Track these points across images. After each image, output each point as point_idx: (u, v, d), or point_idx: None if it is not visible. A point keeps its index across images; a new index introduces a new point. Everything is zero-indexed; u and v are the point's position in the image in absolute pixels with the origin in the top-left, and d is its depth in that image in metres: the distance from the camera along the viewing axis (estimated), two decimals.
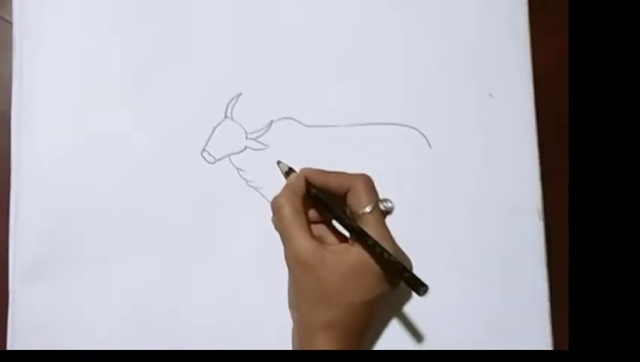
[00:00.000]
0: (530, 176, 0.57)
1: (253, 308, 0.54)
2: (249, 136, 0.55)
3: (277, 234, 0.54)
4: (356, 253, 0.44)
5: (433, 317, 0.54)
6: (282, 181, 0.54)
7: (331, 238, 0.49)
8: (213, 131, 0.54)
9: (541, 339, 0.55)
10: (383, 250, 0.44)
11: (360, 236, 0.45)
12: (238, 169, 0.55)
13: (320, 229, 0.49)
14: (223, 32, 0.56)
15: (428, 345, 0.54)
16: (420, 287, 0.42)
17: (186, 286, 0.53)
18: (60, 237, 0.53)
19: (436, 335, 0.54)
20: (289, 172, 0.50)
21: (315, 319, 0.45)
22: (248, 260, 0.54)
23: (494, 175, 0.57)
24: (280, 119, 0.55)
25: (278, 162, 0.51)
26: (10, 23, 0.54)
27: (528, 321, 0.56)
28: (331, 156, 0.55)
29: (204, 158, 0.54)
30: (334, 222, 0.49)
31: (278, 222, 0.46)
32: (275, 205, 0.46)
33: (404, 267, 0.43)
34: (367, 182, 0.47)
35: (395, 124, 0.57)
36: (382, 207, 0.46)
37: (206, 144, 0.54)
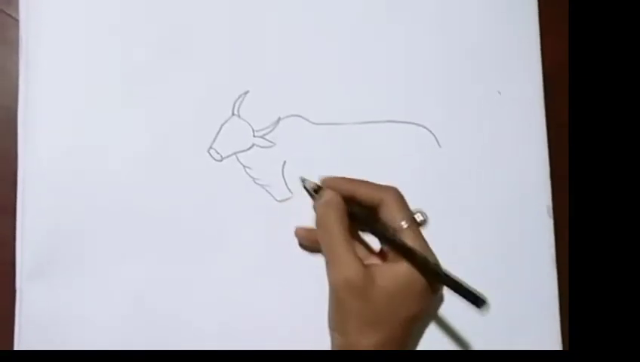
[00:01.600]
0: (539, 174, 0.57)
1: (257, 308, 0.54)
2: (256, 134, 0.55)
3: (283, 233, 0.54)
4: (403, 272, 0.44)
5: (442, 317, 0.54)
6: (290, 179, 0.54)
7: (369, 255, 0.48)
8: (220, 129, 0.54)
9: (551, 337, 0.55)
10: (432, 263, 0.43)
11: (407, 251, 0.44)
12: (245, 167, 0.54)
13: (355, 246, 0.48)
14: (229, 29, 0.56)
15: (436, 344, 0.54)
16: (479, 300, 0.42)
17: (191, 286, 0.53)
18: (67, 236, 0.53)
19: (445, 334, 0.54)
20: (317, 189, 0.48)
21: (365, 343, 0.44)
22: (254, 259, 0.54)
23: (503, 173, 0.57)
24: (287, 117, 0.55)
25: (303, 179, 0.49)
26: (17, 21, 0.54)
27: (538, 319, 0.55)
28: (339, 154, 0.55)
29: (211, 156, 0.54)
30: (361, 234, 0.48)
31: (324, 234, 0.45)
32: (324, 223, 0.45)
33: (462, 283, 0.43)
34: (399, 196, 0.46)
35: (404, 122, 0.56)
36: (418, 220, 0.46)
37: (213, 142, 0.54)
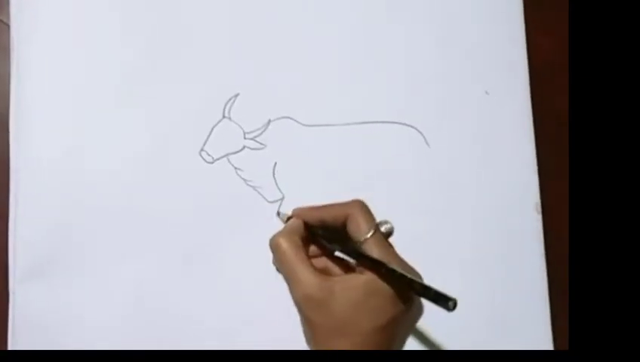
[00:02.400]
0: (528, 172, 0.58)
1: (253, 307, 0.54)
2: (247, 136, 0.55)
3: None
4: (365, 279, 0.43)
5: (431, 316, 0.54)
6: (281, 181, 0.55)
7: (336, 270, 0.48)
8: (211, 131, 0.55)
9: (541, 334, 0.56)
10: (397, 271, 0.43)
11: (370, 261, 0.44)
12: (236, 168, 0.55)
13: (323, 262, 0.47)
14: (220, 32, 0.56)
15: (426, 344, 0.54)
16: (449, 302, 0.41)
17: (184, 286, 0.53)
18: (59, 238, 0.53)
19: (434, 333, 0.54)
20: (289, 219, 0.49)
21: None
22: (247, 260, 0.54)
23: (492, 172, 0.57)
24: (278, 118, 0.55)
25: (278, 213, 0.50)
26: (8, 25, 0.54)
27: (528, 316, 0.56)
28: (329, 155, 0.56)
29: (203, 158, 0.54)
30: (338, 254, 0.48)
31: (279, 260, 0.45)
32: (274, 244, 0.45)
33: (426, 285, 0.42)
34: (363, 207, 0.46)
35: (393, 123, 0.57)
36: (382, 230, 0.45)
37: (204, 144, 0.54)
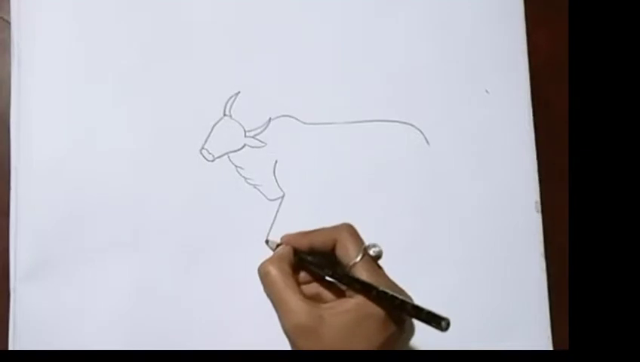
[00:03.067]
0: (527, 171, 0.58)
1: (253, 305, 0.54)
2: (247, 134, 0.55)
3: (275, 232, 0.54)
4: (354, 304, 0.43)
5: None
6: (281, 179, 0.55)
7: (327, 295, 0.47)
8: (211, 129, 0.55)
9: (540, 333, 0.56)
10: (389, 293, 0.42)
11: (360, 285, 0.43)
12: (236, 167, 0.55)
13: (314, 288, 0.47)
14: (221, 29, 0.56)
15: (424, 345, 0.54)
16: (442, 321, 0.41)
17: (185, 284, 0.53)
18: (60, 236, 0.53)
19: (433, 333, 0.54)
20: (278, 246, 0.49)
21: None
22: (247, 258, 0.54)
23: (492, 170, 0.57)
24: (278, 117, 0.55)
25: (267, 241, 0.50)
26: (8, 22, 0.54)
27: (527, 315, 0.56)
28: (329, 153, 0.56)
29: (203, 156, 0.54)
30: (329, 280, 0.48)
31: (268, 288, 0.44)
32: (263, 271, 0.44)
33: (418, 306, 0.42)
34: (351, 231, 0.45)
35: (393, 121, 0.57)
36: (371, 253, 0.45)
37: (205, 142, 0.54)
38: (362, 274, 0.44)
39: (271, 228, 0.54)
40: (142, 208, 0.54)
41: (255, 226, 0.54)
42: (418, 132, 0.57)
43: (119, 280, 0.53)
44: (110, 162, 0.54)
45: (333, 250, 0.45)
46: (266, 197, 0.55)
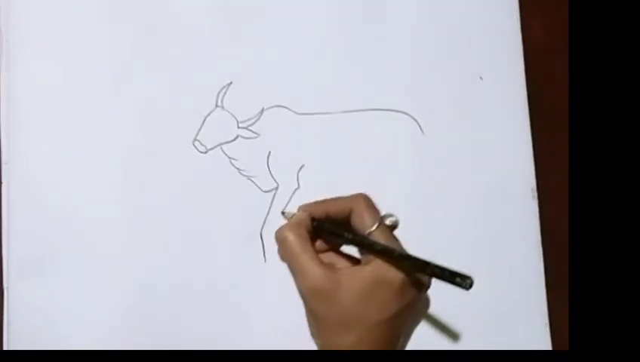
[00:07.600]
0: (523, 157, 0.57)
1: (249, 297, 0.54)
2: (240, 125, 0.55)
3: (269, 223, 0.54)
4: (371, 270, 0.43)
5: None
6: (275, 170, 0.54)
7: (342, 262, 0.48)
8: (204, 121, 0.54)
9: (537, 320, 0.56)
10: (411, 256, 0.43)
11: (381, 249, 0.44)
12: (230, 158, 0.54)
13: (329, 257, 0.46)
14: (212, 20, 0.56)
15: (423, 345, 0.54)
16: (466, 280, 0.41)
17: (180, 277, 0.53)
18: (53, 233, 0.53)
19: (431, 333, 0.54)
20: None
21: (339, 343, 0.44)
22: (242, 249, 0.54)
23: (487, 157, 0.57)
24: (271, 107, 0.55)
25: (283, 212, 0.50)
26: None
27: (524, 301, 0.56)
28: (323, 143, 0.55)
29: (196, 148, 0.54)
30: (344, 249, 0.48)
31: (285, 252, 0.45)
32: (280, 236, 0.45)
33: (442, 266, 0.42)
34: (367, 201, 0.46)
35: (387, 110, 0.57)
36: (387, 222, 0.46)
37: (197, 134, 0.54)
38: (379, 240, 0.44)
39: (265, 219, 0.54)
40: (135, 201, 0.53)
41: (249, 218, 0.54)
42: (413, 121, 0.57)
43: (112, 275, 0.53)
44: (102, 156, 0.54)
45: (348, 218, 0.46)
46: (259, 188, 0.54)
